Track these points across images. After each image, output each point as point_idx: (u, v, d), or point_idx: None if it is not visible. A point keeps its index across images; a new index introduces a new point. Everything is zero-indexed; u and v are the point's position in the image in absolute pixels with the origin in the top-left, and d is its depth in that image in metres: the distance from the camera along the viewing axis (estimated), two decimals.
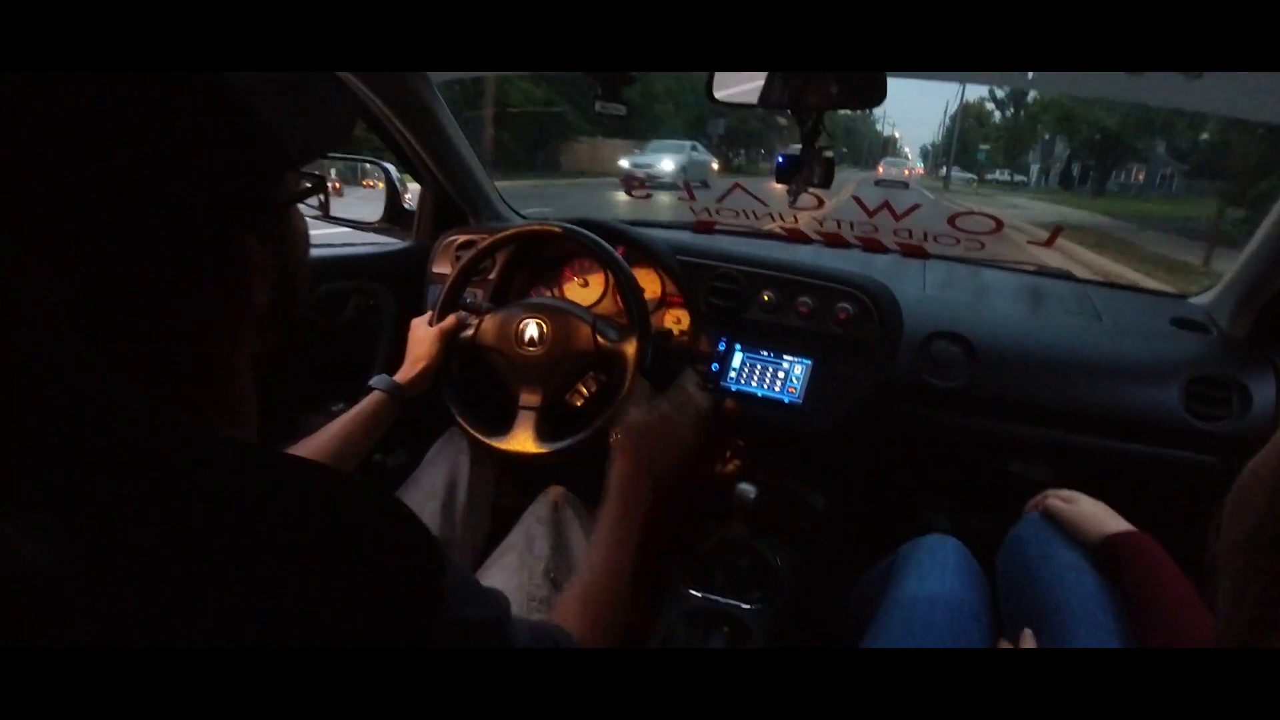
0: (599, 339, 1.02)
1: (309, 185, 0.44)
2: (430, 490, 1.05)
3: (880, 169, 28.36)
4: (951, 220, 1.34)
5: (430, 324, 1.06)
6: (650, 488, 0.77)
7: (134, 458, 0.31)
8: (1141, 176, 20.22)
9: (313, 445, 0.88)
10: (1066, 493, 0.87)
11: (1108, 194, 19.24)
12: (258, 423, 0.42)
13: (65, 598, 0.29)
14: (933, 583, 0.83)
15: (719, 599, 1.03)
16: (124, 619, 0.29)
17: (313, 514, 0.34)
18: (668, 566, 1.09)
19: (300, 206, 0.44)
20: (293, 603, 0.32)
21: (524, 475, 1.15)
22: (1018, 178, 28.45)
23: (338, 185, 1.55)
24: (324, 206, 1.21)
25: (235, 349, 0.40)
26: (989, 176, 29.54)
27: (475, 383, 1.08)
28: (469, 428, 1.03)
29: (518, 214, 1.51)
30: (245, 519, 0.32)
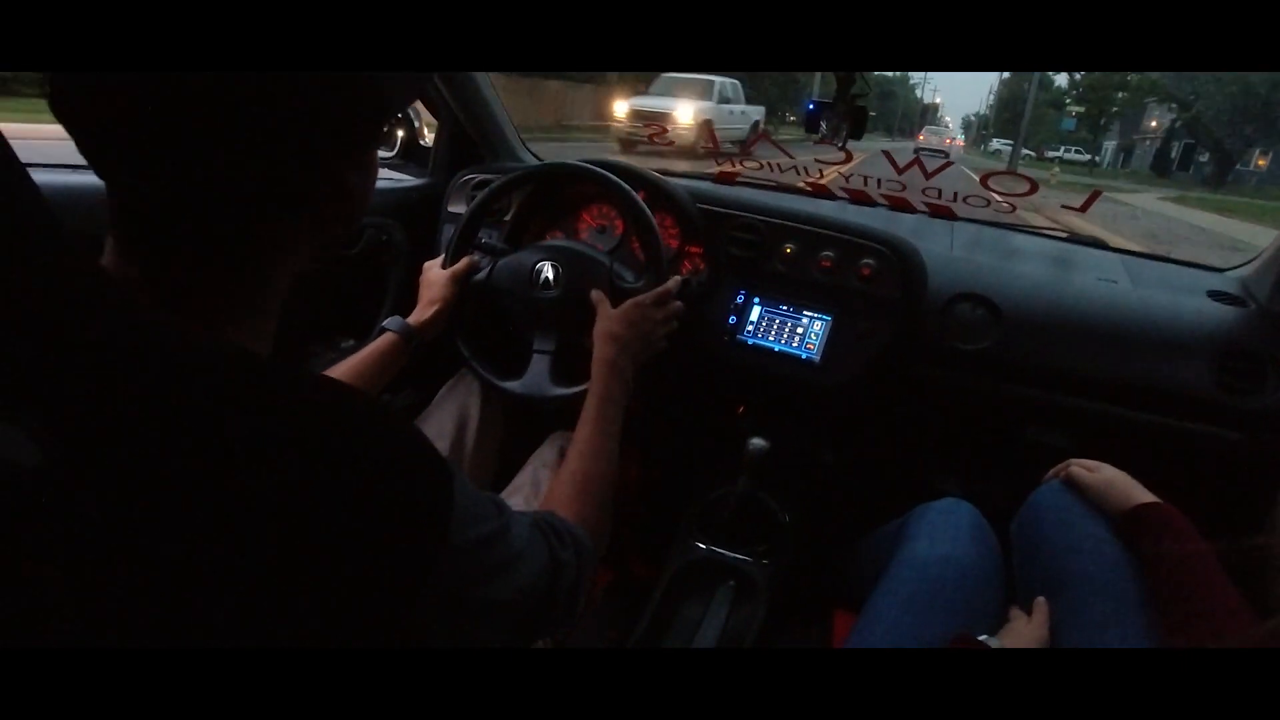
0: (616, 282, 0.99)
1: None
2: (439, 430, 1.04)
3: (921, 136, 27.39)
4: (984, 180, 1.29)
5: (443, 266, 1.04)
6: (628, 368, 0.84)
7: (135, 358, 0.30)
8: (1264, 163, 16.07)
9: None
10: (1090, 462, 0.85)
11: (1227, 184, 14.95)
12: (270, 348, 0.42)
13: (53, 497, 0.27)
14: (945, 544, 0.82)
15: (725, 552, 1.02)
16: (109, 522, 0.28)
17: (321, 428, 0.33)
18: (677, 515, 1.09)
19: None
20: (293, 515, 0.31)
21: (533, 418, 1.14)
22: (1081, 155, 24.23)
23: None
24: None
25: (296, 267, 0.42)
26: (1049, 154, 25.22)
27: (488, 326, 1.06)
28: (482, 371, 1.01)
29: (535, 156, 1.47)
30: (249, 427, 0.31)
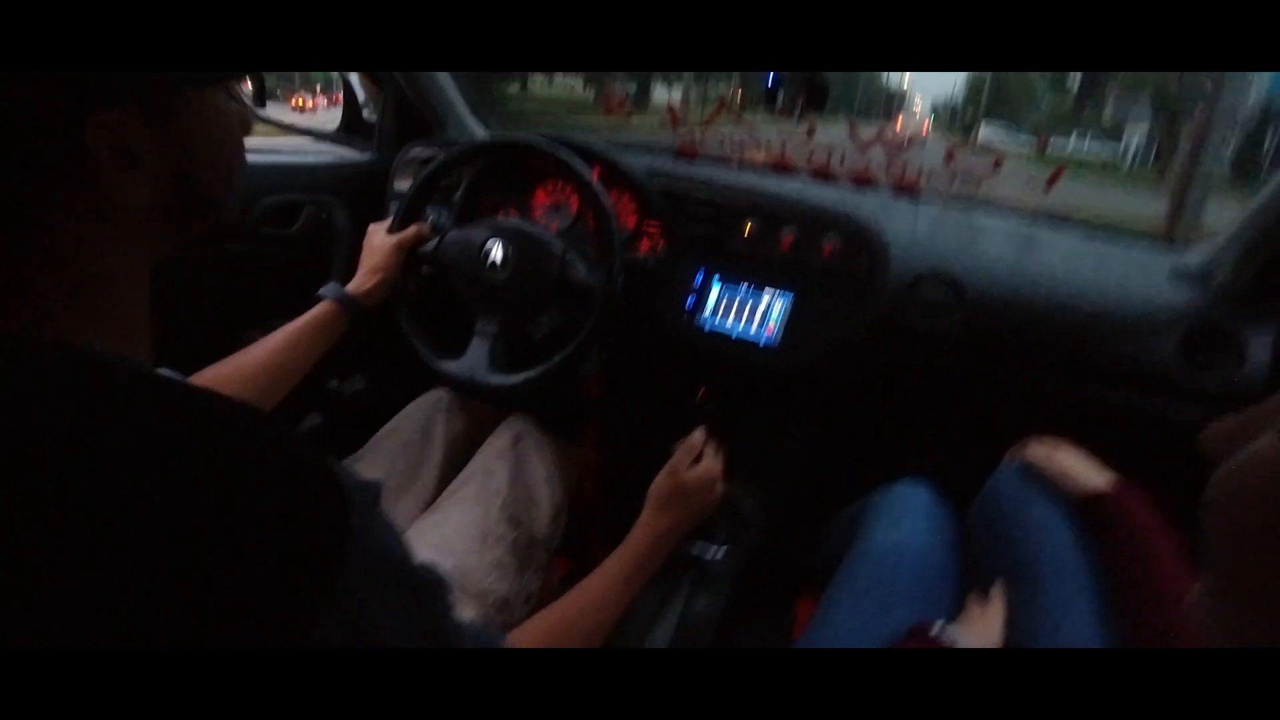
0: (567, 272, 0.95)
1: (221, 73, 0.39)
2: (407, 440, 1.01)
3: (898, 125, 27.10)
4: (948, 156, 1.27)
5: (389, 232, 0.99)
6: (672, 544, 0.80)
7: None
8: None
9: (254, 355, 0.81)
10: (1050, 440, 0.84)
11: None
12: (188, 337, 0.37)
13: None
14: (902, 530, 0.80)
15: (684, 542, 0.99)
16: None
17: (175, 441, 0.28)
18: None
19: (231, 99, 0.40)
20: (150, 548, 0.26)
21: (489, 403, 1.10)
22: (1103, 144, 18.38)
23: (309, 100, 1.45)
24: (259, 97, 1.10)
25: (106, 254, 0.34)
26: (1056, 142, 19.43)
27: (431, 301, 1.01)
28: (421, 348, 0.97)
29: (488, 129, 1.41)
30: (84, 441, 0.26)
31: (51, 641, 0.24)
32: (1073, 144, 19.41)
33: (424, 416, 1.03)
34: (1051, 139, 20.06)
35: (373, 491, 0.34)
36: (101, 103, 0.32)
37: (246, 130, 0.43)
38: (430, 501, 0.98)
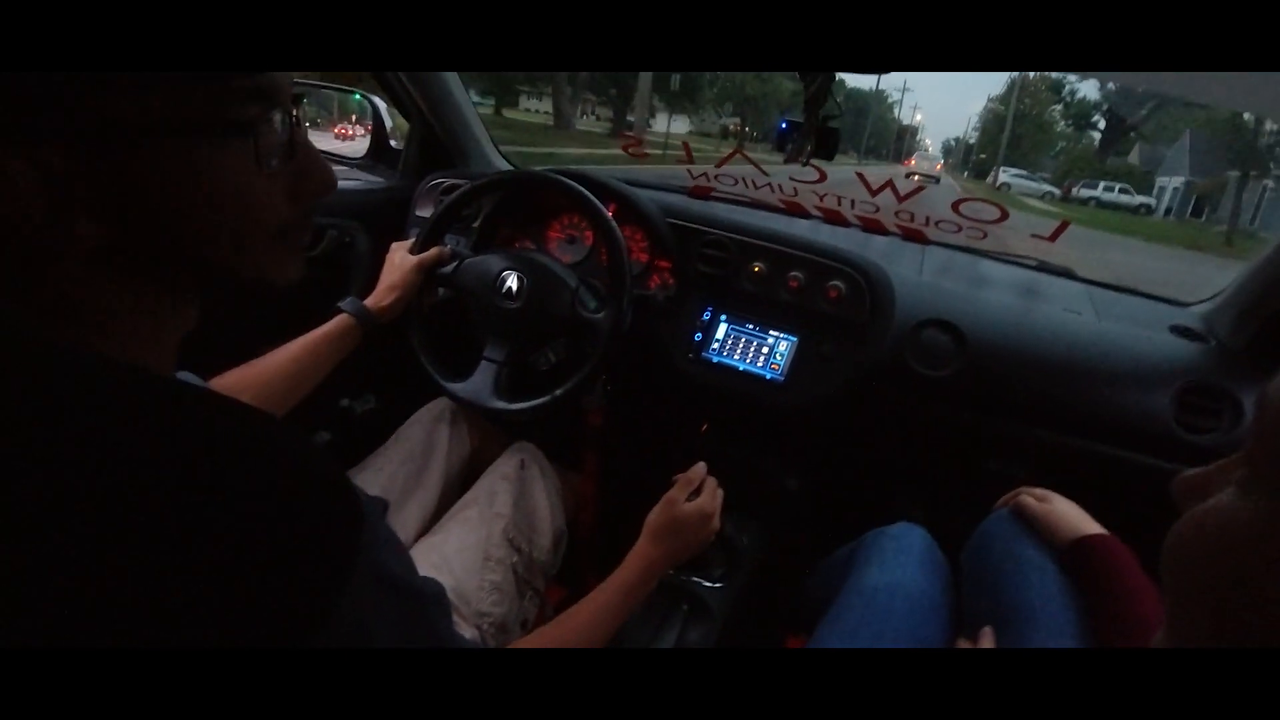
0: (578, 307, 0.98)
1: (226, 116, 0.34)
2: (409, 452, 1.03)
3: (910, 161, 26.96)
4: (956, 205, 1.29)
5: (412, 251, 1.02)
6: (662, 572, 0.80)
7: None
8: None
9: (270, 362, 0.84)
10: (1040, 491, 0.85)
11: None
12: (205, 348, 0.38)
13: None
14: (895, 571, 0.81)
15: (680, 575, 1.00)
16: None
17: (202, 446, 0.30)
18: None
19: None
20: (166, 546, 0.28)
21: (503, 429, 1.13)
22: (1130, 195, 17.12)
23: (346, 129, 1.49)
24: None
25: (97, 289, 0.34)
26: (1083, 192, 17.95)
27: (444, 322, 1.04)
28: (430, 367, 1.00)
29: (508, 161, 1.45)
30: (106, 443, 0.28)
31: (78, 635, 0.26)
32: (1098, 191, 17.95)
33: (427, 428, 1.05)
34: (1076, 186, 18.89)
35: (380, 506, 0.37)
36: (27, 135, 0.29)
37: (306, 193, 0.40)
38: (432, 512, 1.00)
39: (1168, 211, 16.31)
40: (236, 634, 0.28)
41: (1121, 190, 17.77)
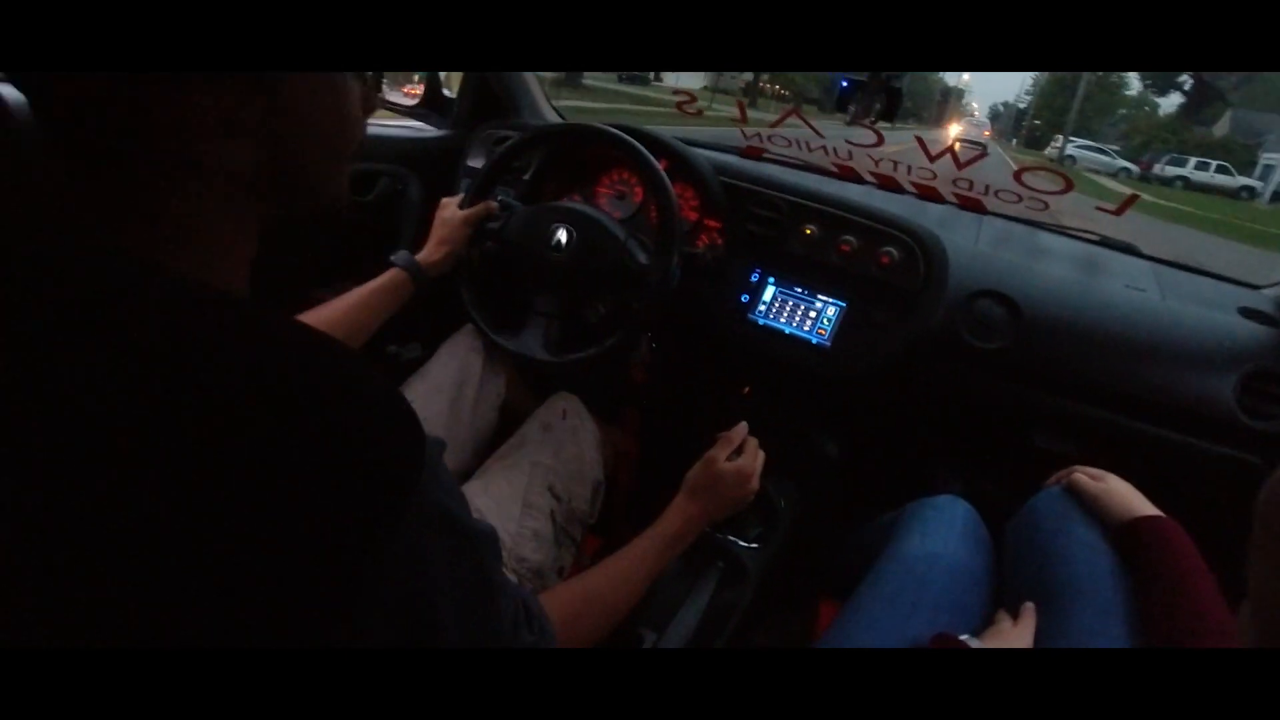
0: (627, 260, 0.98)
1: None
2: (438, 384, 1.03)
3: (951, 125, 26.02)
4: (1018, 175, 1.25)
5: (460, 206, 1.03)
6: (700, 528, 0.81)
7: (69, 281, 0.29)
8: None
9: (324, 313, 0.87)
10: (1094, 470, 0.83)
11: None
12: (259, 293, 0.40)
13: None
14: (936, 542, 0.81)
15: (717, 533, 1.01)
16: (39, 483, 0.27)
17: (284, 370, 0.31)
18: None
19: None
20: (247, 461, 0.29)
21: (536, 378, 1.14)
22: (1232, 177, 14.09)
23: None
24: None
25: (209, 213, 0.36)
26: (1168, 170, 14.86)
27: (494, 276, 1.05)
28: (480, 321, 1.01)
29: (560, 115, 1.44)
30: (203, 364, 0.29)
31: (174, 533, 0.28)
32: (1188, 170, 14.65)
33: (460, 363, 1.05)
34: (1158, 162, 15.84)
35: (439, 445, 0.38)
36: (212, 70, 0.33)
37: (369, 110, 0.44)
38: (468, 449, 1.02)
39: (1275, 197, 13.61)
40: (298, 548, 0.30)
41: (1219, 169, 14.81)
